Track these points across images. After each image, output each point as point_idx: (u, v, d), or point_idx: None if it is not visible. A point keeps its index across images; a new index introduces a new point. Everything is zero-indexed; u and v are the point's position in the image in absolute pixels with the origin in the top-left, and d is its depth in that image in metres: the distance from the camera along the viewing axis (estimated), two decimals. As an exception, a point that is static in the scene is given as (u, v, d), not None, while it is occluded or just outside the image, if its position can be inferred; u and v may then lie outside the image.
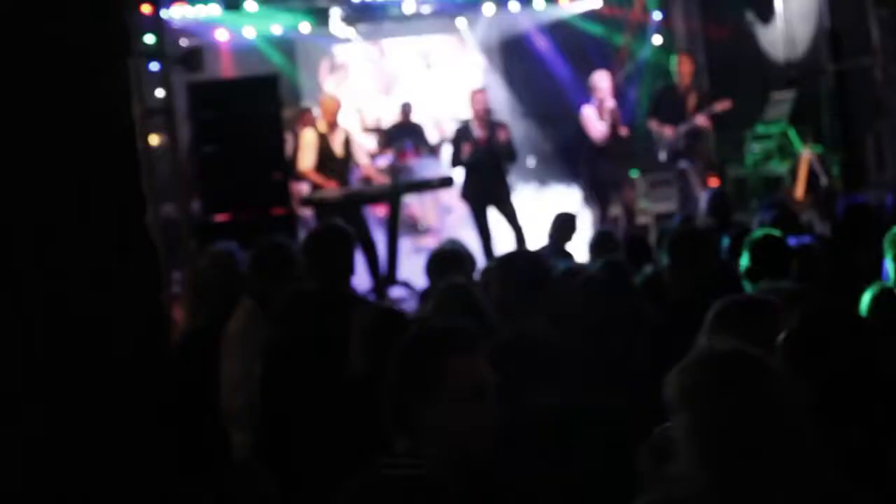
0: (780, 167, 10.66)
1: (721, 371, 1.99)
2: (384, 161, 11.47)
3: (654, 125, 10.29)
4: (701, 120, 10.02)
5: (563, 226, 7.49)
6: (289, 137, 9.92)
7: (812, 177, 10.28)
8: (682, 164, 10.16)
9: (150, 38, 8.87)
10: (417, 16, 12.90)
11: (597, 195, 10.12)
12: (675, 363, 2.06)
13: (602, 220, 9.95)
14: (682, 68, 10.38)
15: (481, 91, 10.01)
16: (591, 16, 12.99)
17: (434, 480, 2.20)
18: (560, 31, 13.06)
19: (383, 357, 3.08)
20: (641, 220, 11.03)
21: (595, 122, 9.95)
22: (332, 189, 9.06)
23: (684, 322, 3.28)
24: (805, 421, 2.01)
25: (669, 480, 2.06)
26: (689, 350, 2.15)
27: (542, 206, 10.06)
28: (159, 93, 9.07)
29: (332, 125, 9.25)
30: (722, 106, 10.00)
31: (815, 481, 1.99)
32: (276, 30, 12.61)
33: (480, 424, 2.26)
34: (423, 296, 5.74)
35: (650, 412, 2.30)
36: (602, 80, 10.07)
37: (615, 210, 10.56)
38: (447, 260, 4.98)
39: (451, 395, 2.24)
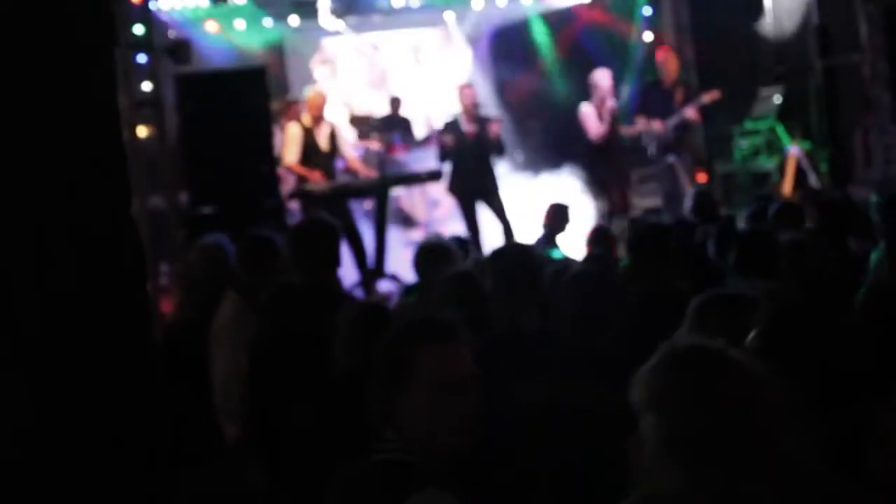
0: (767, 163, 10.68)
1: (691, 373, 1.94)
2: (360, 150, 11.46)
3: (641, 121, 10.26)
4: (690, 112, 10.00)
5: (557, 216, 7.48)
6: (276, 131, 9.89)
7: (800, 173, 10.30)
8: (671, 158, 10.15)
9: (139, 29, 8.83)
10: (406, 9, 12.88)
11: (595, 192, 10.08)
12: (635, 355, 2.04)
13: (603, 215, 9.91)
14: (667, 64, 10.36)
15: (469, 86, 10.00)
16: (560, 15, 12.95)
17: (423, 466, 2.20)
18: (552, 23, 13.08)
19: (367, 352, 3.08)
20: (632, 215, 11.03)
21: (594, 120, 9.89)
22: (320, 182, 9.06)
23: (645, 313, 3.32)
24: (781, 418, 1.99)
25: (653, 475, 2.05)
26: (649, 340, 2.11)
27: (536, 197, 10.03)
28: (147, 85, 9.04)
29: (318, 119, 9.25)
30: (710, 96, 9.99)
31: (798, 478, 1.99)
32: (266, 22, 12.57)
33: (454, 417, 2.23)
34: (408, 290, 5.72)
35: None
36: (603, 79, 9.98)
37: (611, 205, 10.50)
38: (435, 253, 4.96)
39: (423, 386, 2.23)
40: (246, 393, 4.10)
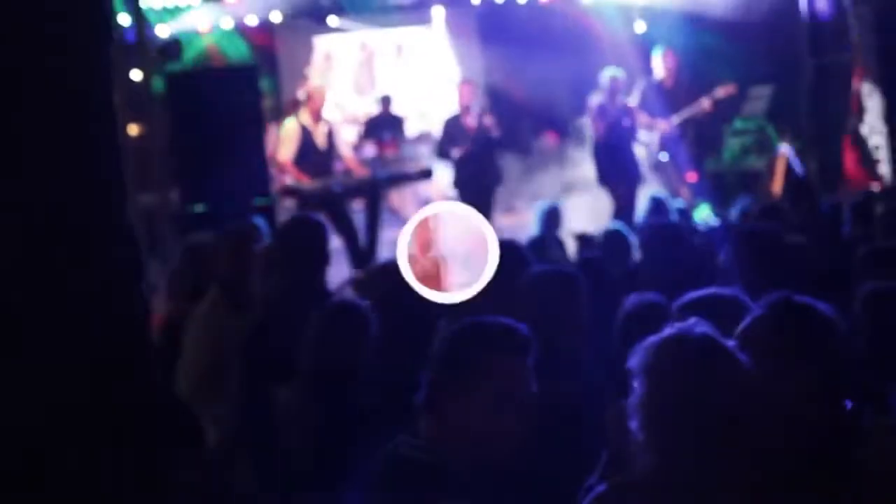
0: (757, 162, 10.69)
1: (682, 350, 2.08)
2: (369, 150, 11.45)
3: (643, 120, 10.14)
4: (706, 103, 9.96)
5: (548, 217, 7.45)
6: (270, 128, 9.85)
7: (789, 172, 10.30)
8: (662, 157, 10.12)
9: (124, 19, 8.77)
10: (399, 7, 12.80)
11: (604, 186, 9.98)
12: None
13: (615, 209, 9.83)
14: (666, 63, 10.29)
15: (467, 82, 10.00)
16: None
17: (446, 469, 2.19)
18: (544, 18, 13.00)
19: (336, 351, 3.06)
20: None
21: (593, 117, 9.81)
22: (313, 181, 9.00)
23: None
24: (758, 407, 2.08)
25: (630, 454, 2.13)
26: None
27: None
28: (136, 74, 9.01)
29: (317, 117, 9.16)
30: (725, 91, 9.98)
31: (768, 466, 2.07)
32: (252, 20, 12.49)
33: (504, 430, 2.23)
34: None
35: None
36: (605, 79, 9.84)
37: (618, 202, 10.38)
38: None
39: (482, 393, 2.23)
40: (220, 389, 4.08)
